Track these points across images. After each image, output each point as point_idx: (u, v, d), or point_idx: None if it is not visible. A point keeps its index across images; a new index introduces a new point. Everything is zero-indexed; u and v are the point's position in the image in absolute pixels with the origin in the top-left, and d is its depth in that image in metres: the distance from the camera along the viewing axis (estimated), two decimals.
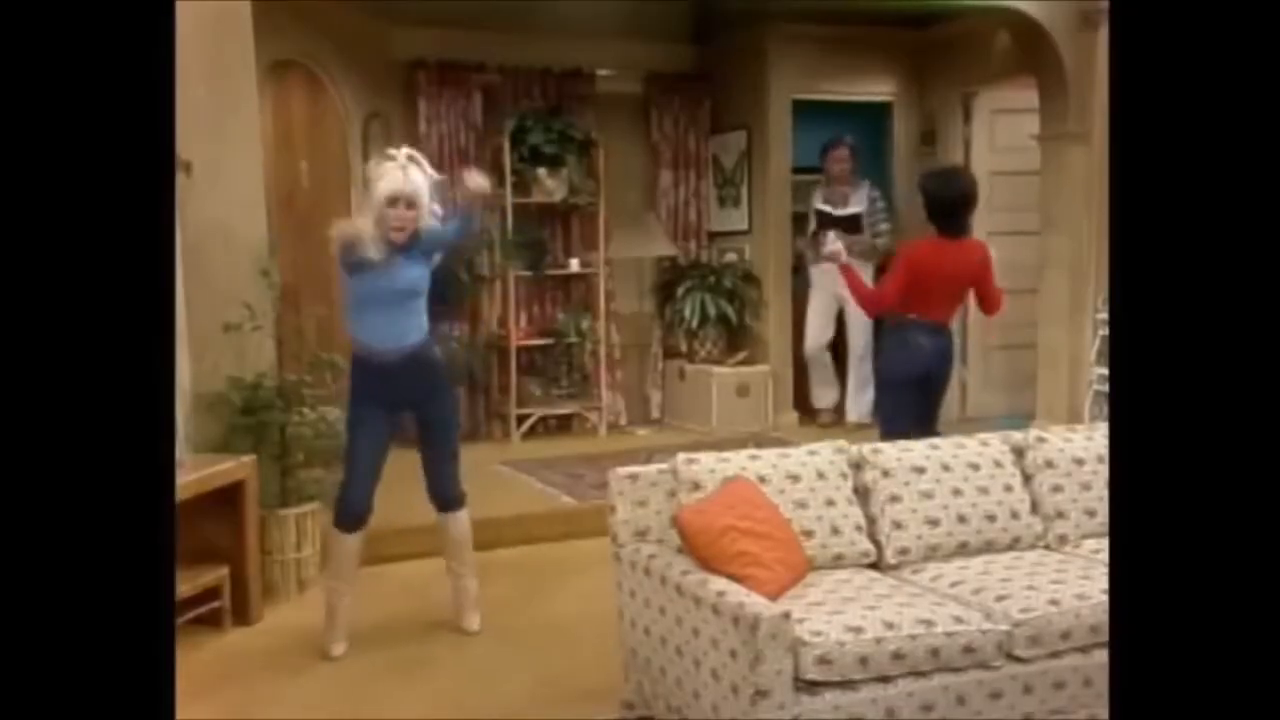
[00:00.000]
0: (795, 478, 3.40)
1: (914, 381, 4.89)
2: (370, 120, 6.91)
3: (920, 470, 3.53)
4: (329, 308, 5.44)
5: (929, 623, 2.92)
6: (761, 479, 3.34)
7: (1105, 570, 3.20)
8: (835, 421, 7.58)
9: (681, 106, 7.99)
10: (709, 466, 3.34)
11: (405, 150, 3.91)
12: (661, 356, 8.08)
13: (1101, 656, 2.99)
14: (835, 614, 2.92)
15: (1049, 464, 3.69)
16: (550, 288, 7.76)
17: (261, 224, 4.86)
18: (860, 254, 7.36)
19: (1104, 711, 2.99)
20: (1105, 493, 3.61)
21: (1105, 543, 3.40)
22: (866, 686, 2.82)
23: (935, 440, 3.82)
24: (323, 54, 6.48)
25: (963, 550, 3.51)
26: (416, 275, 3.91)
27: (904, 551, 3.44)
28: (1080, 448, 3.75)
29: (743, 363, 7.73)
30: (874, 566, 3.41)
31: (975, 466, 3.60)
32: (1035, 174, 6.97)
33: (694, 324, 7.67)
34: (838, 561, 3.35)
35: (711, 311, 7.62)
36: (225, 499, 4.21)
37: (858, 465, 3.53)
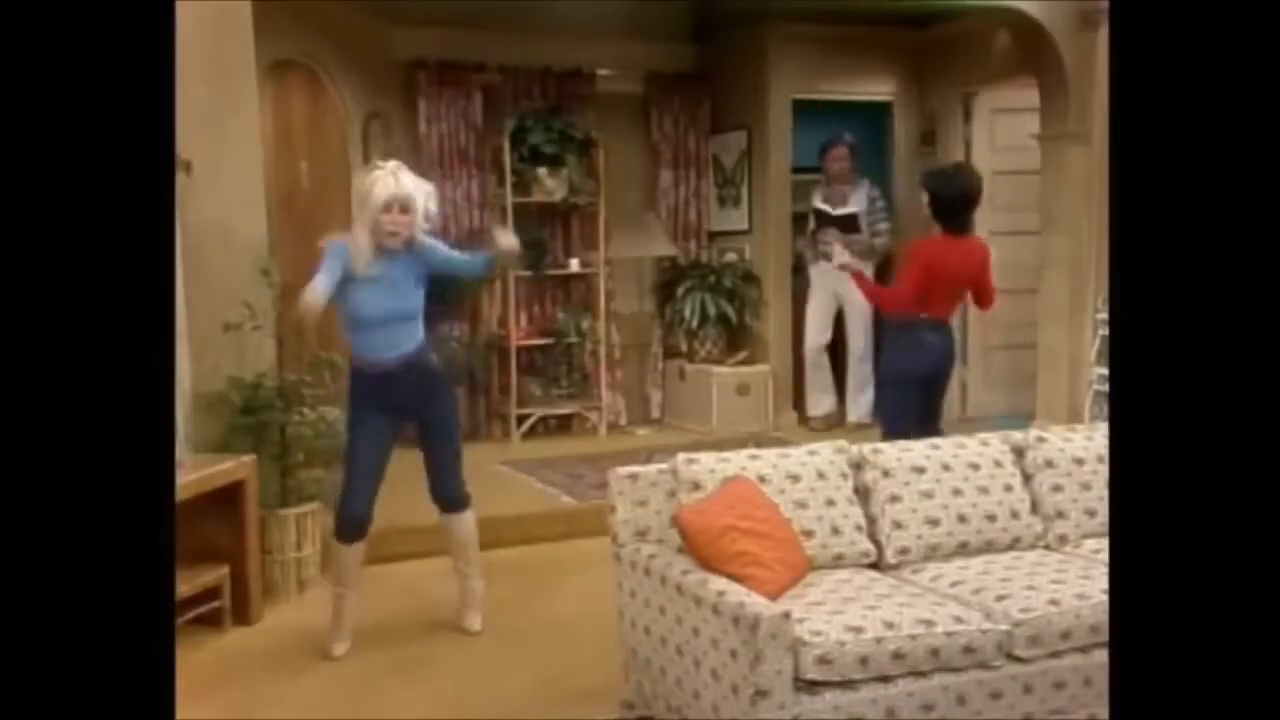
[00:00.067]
0: (795, 478, 3.40)
1: (919, 380, 4.92)
2: (370, 120, 6.91)
3: (920, 470, 3.53)
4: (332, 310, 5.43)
5: (929, 622, 2.92)
6: (762, 479, 3.34)
7: (1105, 570, 3.20)
8: (829, 427, 7.51)
9: (681, 106, 7.99)
10: (709, 466, 3.34)
11: (393, 162, 3.93)
12: (661, 356, 8.08)
13: (1101, 656, 2.99)
14: (835, 614, 2.92)
15: (1049, 464, 3.69)
16: (550, 287, 7.76)
17: (261, 224, 4.86)
18: (858, 253, 7.37)
19: (1104, 711, 2.99)
20: (1105, 493, 3.61)
21: (1105, 542, 3.40)
22: (867, 686, 2.82)
23: (935, 440, 3.82)
24: (323, 54, 6.48)
25: (963, 550, 3.51)
26: (411, 290, 3.91)
27: (904, 551, 3.44)
28: (1080, 448, 3.75)
29: (743, 362, 7.73)
30: (874, 566, 3.41)
31: (975, 466, 3.60)
32: (1035, 174, 6.97)
33: (694, 324, 7.67)
34: (838, 561, 3.35)
35: (711, 311, 7.62)
36: (225, 499, 4.21)
37: (858, 465, 3.53)
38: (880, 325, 7.62)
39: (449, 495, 4.15)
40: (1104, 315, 6.15)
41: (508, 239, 4.02)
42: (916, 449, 3.64)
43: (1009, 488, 3.61)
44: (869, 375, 7.60)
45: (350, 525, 3.97)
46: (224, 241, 4.58)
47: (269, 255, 4.73)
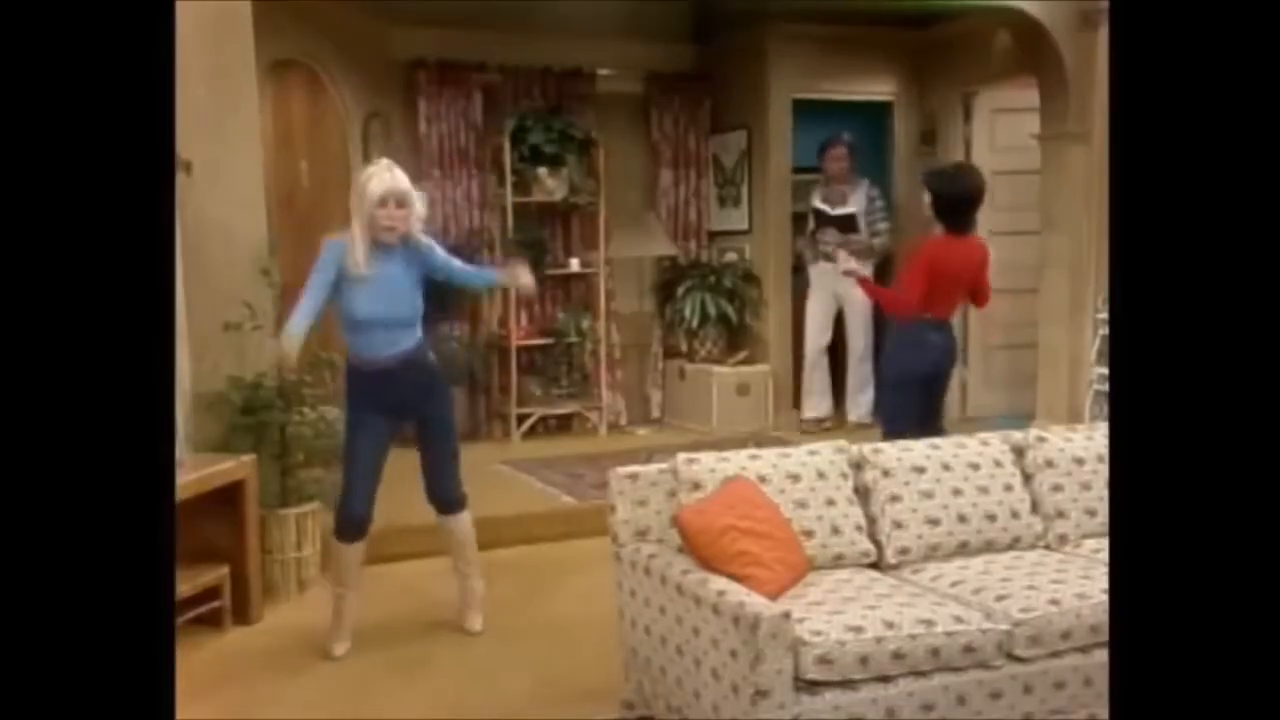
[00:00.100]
0: (795, 477, 3.40)
1: (921, 380, 4.95)
2: (370, 120, 6.91)
3: (920, 470, 3.53)
4: (329, 307, 5.43)
5: (929, 622, 2.92)
6: (762, 479, 3.34)
7: (1105, 570, 3.21)
8: (821, 430, 7.41)
9: (681, 106, 7.99)
10: (709, 466, 3.34)
11: (385, 160, 3.93)
12: (662, 356, 8.08)
13: (1102, 656, 2.99)
14: (835, 614, 2.92)
15: (1049, 463, 3.69)
16: (550, 287, 7.75)
17: (261, 224, 4.86)
18: (856, 253, 7.36)
19: (1104, 711, 2.99)
20: (1105, 492, 3.61)
21: (1105, 542, 3.40)
22: (867, 686, 2.82)
23: (935, 440, 3.82)
24: (323, 53, 6.48)
25: (963, 550, 3.51)
26: (409, 290, 3.90)
27: (904, 551, 3.44)
28: (1080, 447, 3.75)
29: (743, 362, 7.73)
30: (874, 566, 3.41)
31: (975, 466, 3.60)
32: (1035, 173, 6.97)
33: (694, 323, 7.67)
34: (838, 561, 3.35)
35: (712, 311, 7.62)
36: (225, 499, 4.21)
37: (858, 465, 3.53)
38: (880, 325, 7.65)
39: (446, 496, 4.15)
40: (1104, 315, 6.15)
41: (526, 279, 4.15)
42: (916, 449, 3.64)
43: (1009, 487, 3.62)
44: (869, 375, 7.60)
45: (350, 525, 3.97)
46: (224, 241, 4.58)
47: (269, 255, 4.73)
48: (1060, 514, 3.65)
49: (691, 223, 8.08)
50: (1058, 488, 3.67)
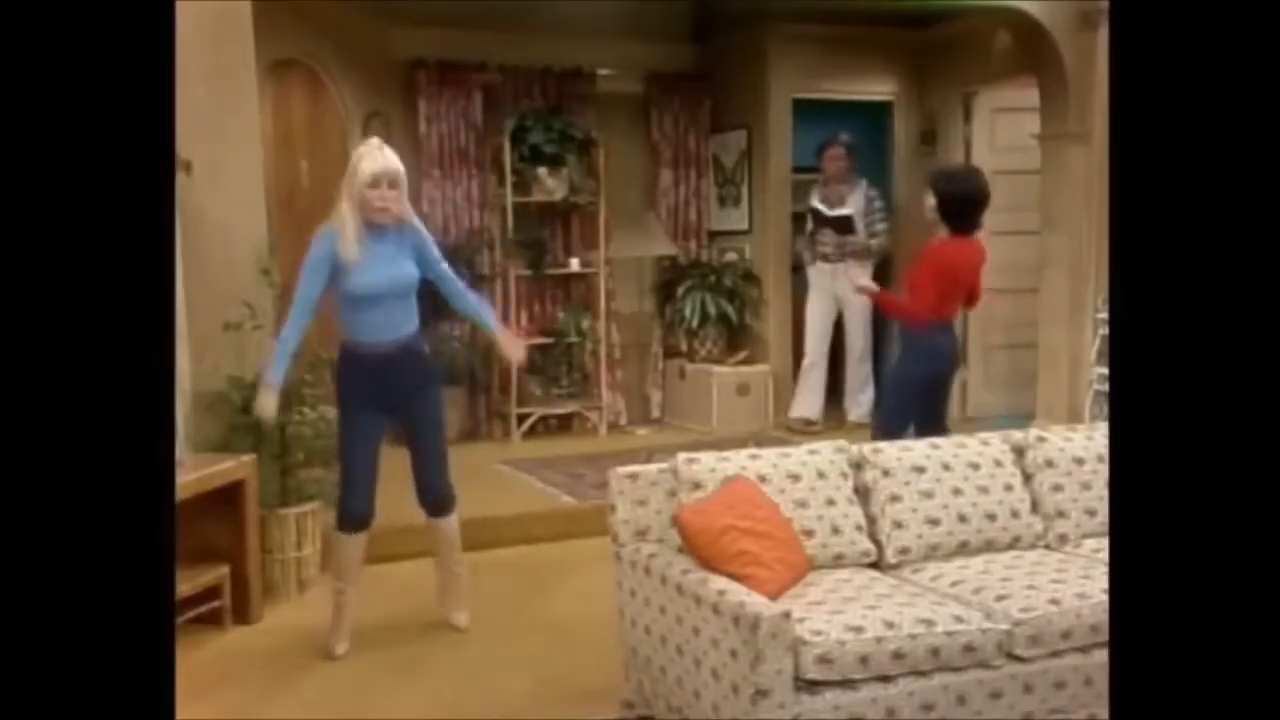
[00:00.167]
0: (796, 477, 3.40)
1: (928, 382, 4.99)
2: (370, 120, 6.91)
3: (920, 470, 3.53)
4: (329, 306, 5.44)
5: (929, 622, 2.92)
6: (762, 478, 3.34)
7: (1105, 569, 3.21)
8: (810, 431, 7.32)
9: (682, 106, 8.00)
10: (709, 466, 3.34)
11: (376, 139, 3.91)
12: (662, 356, 8.08)
13: (1102, 656, 2.99)
14: (836, 613, 2.92)
15: (1049, 463, 3.69)
16: (550, 287, 7.76)
17: (261, 224, 4.86)
18: (853, 254, 7.36)
19: (1104, 711, 2.99)
20: (1105, 492, 3.61)
21: (1105, 542, 3.40)
22: (867, 686, 2.82)
23: (935, 440, 3.82)
24: (323, 53, 6.48)
25: (963, 550, 3.51)
26: (406, 263, 3.87)
27: (904, 551, 3.44)
28: (1080, 447, 3.75)
29: (743, 362, 7.73)
30: (874, 566, 3.41)
31: (975, 466, 3.60)
32: (1035, 173, 6.97)
33: (694, 323, 7.66)
34: (838, 561, 3.36)
35: (712, 311, 7.62)
36: (225, 498, 4.21)
37: (858, 465, 3.53)
38: (879, 326, 7.65)
39: (438, 492, 4.11)
40: (1104, 315, 6.15)
41: (519, 355, 4.29)
42: (916, 449, 3.64)
43: (1009, 487, 3.62)
44: (869, 375, 7.60)
45: (353, 519, 3.97)
46: (224, 241, 4.58)
47: (269, 255, 4.73)
48: (1060, 514, 3.65)
49: (691, 222, 8.08)
50: (1058, 487, 3.67)
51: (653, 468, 3.42)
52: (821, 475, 3.43)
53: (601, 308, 7.67)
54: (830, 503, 3.39)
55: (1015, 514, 3.59)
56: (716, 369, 7.65)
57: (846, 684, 2.80)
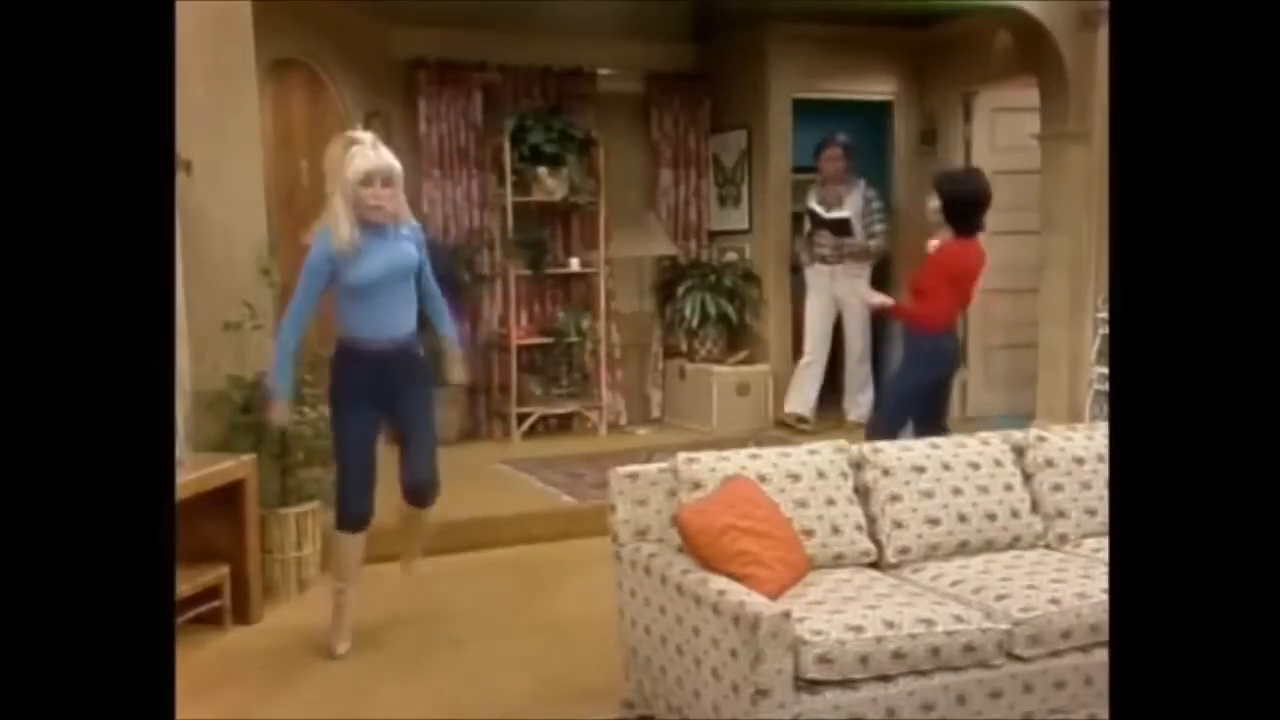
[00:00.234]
0: (796, 477, 3.40)
1: (933, 386, 5.03)
2: (370, 119, 6.90)
3: (920, 469, 3.53)
4: (329, 305, 5.45)
5: (929, 622, 2.92)
6: (762, 478, 3.34)
7: (1105, 569, 3.21)
8: (801, 430, 7.29)
9: (682, 106, 8.00)
10: (709, 465, 3.34)
11: (369, 135, 3.84)
12: (662, 356, 8.08)
13: (1102, 655, 2.99)
14: (836, 613, 2.92)
15: (1049, 463, 3.69)
16: (550, 287, 7.76)
17: (261, 224, 4.86)
18: (852, 256, 7.35)
19: (1104, 711, 2.99)
20: (1105, 492, 3.61)
21: (1105, 541, 3.40)
22: (867, 686, 2.82)
23: (935, 440, 3.82)
24: (323, 53, 6.48)
25: (963, 549, 3.51)
26: (405, 245, 3.84)
27: (904, 550, 3.44)
28: (1080, 447, 3.75)
29: (743, 362, 7.73)
30: (874, 565, 3.41)
31: (976, 466, 3.60)
32: (1035, 173, 6.97)
33: (694, 323, 7.66)
34: (838, 560, 3.36)
35: (712, 311, 7.62)
36: (225, 498, 4.21)
37: (858, 464, 3.53)
38: (878, 326, 7.65)
39: (425, 479, 4.00)
40: (1104, 315, 6.16)
41: (459, 376, 4.28)
42: (916, 448, 3.64)
43: (1009, 487, 3.62)
44: (868, 376, 7.59)
45: (353, 519, 3.96)
46: (224, 241, 4.58)
47: (269, 255, 4.73)
48: (1060, 513, 3.65)
49: (691, 222, 8.08)
50: (1058, 487, 3.67)
51: (653, 467, 3.42)
52: (821, 475, 3.43)
53: (601, 307, 7.67)
54: (830, 502, 3.39)
55: (1015, 514, 3.59)
56: (716, 369, 7.65)
57: (846, 684, 2.80)
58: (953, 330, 5.10)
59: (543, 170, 7.28)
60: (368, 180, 3.69)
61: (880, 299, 5.43)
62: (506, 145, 7.21)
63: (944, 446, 3.68)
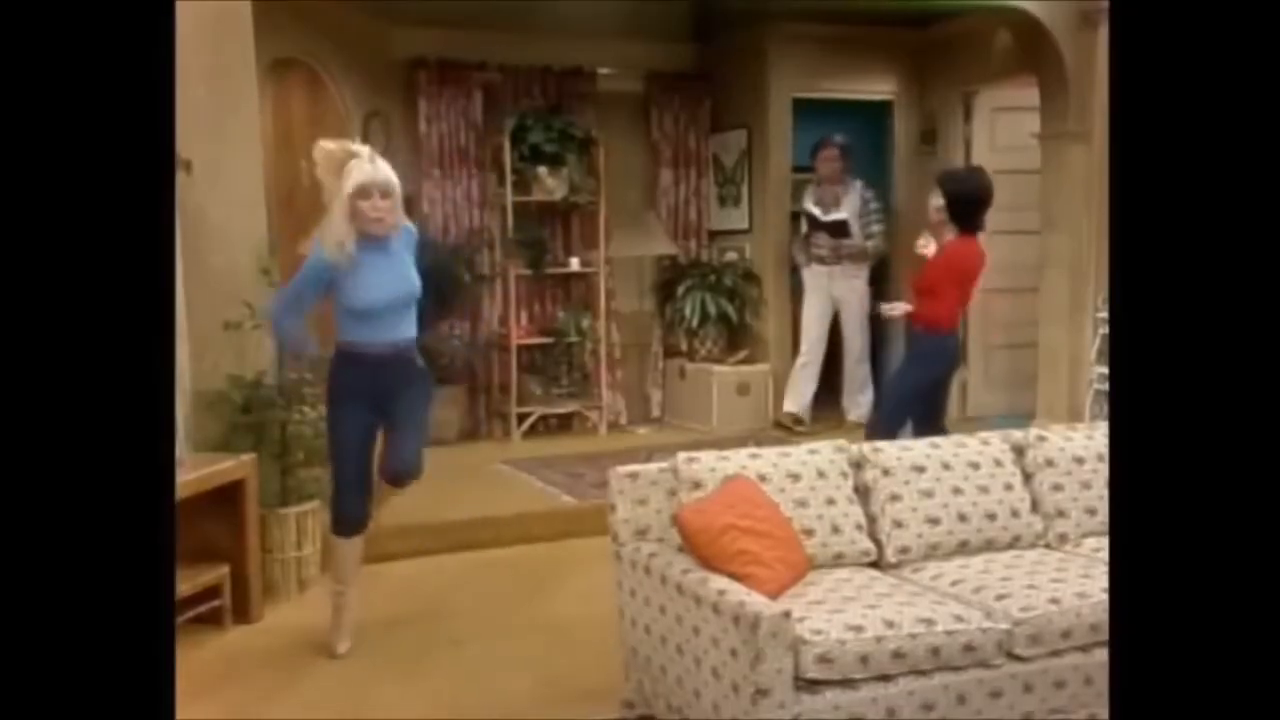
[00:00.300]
0: (796, 476, 3.40)
1: (933, 384, 5.05)
2: (371, 119, 6.91)
3: (920, 469, 3.53)
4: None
5: (929, 621, 2.92)
6: (762, 478, 3.34)
7: (1105, 569, 3.21)
8: (798, 430, 7.27)
9: (682, 105, 8.00)
10: (709, 465, 3.34)
11: (366, 151, 3.81)
12: (662, 355, 8.08)
13: (1102, 655, 2.99)
14: (836, 613, 2.92)
15: (1049, 463, 3.69)
16: (550, 286, 7.76)
17: (261, 224, 4.86)
18: (850, 257, 7.35)
19: (1104, 710, 2.99)
20: (1105, 491, 3.61)
21: (1105, 541, 3.40)
22: (867, 685, 2.82)
23: (935, 439, 3.82)
24: (323, 53, 6.48)
25: (963, 549, 3.51)
26: (406, 272, 3.84)
27: (904, 550, 3.44)
28: (1080, 446, 3.75)
29: (743, 361, 7.73)
30: (874, 565, 3.41)
31: (976, 465, 3.60)
32: (1036, 173, 6.97)
33: (694, 323, 7.66)
34: (838, 560, 3.36)
35: (712, 310, 7.61)
36: (225, 498, 4.21)
37: (858, 464, 3.53)
38: (877, 326, 7.65)
39: (409, 468, 3.93)
40: (1104, 314, 6.16)
41: None
42: (916, 448, 3.64)
43: (1009, 486, 3.62)
44: (867, 376, 7.59)
45: (348, 523, 3.96)
46: (224, 241, 4.58)
47: (269, 255, 4.73)
48: (1060, 513, 3.65)
49: (691, 222, 8.08)
50: (1058, 487, 3.67)
51: (653, 467, 3.42)
52: (821, 474, 3.43)
53: (601, 307, 7.67)
54: (830, 502, 3.39)
55: (1015, 513, 3.59)
56: (716, 368, 7.65)
57: (847, 683, 2.80)
58: (955, 329, 5.13)
59: (543, 170, 7.28)
60: (366, 193, 3.68)
61: (901, 308, 5.38)
62: (506, 145, 7.21)
63: (944, 446, 3.68)
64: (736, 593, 2.85)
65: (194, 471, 4.03)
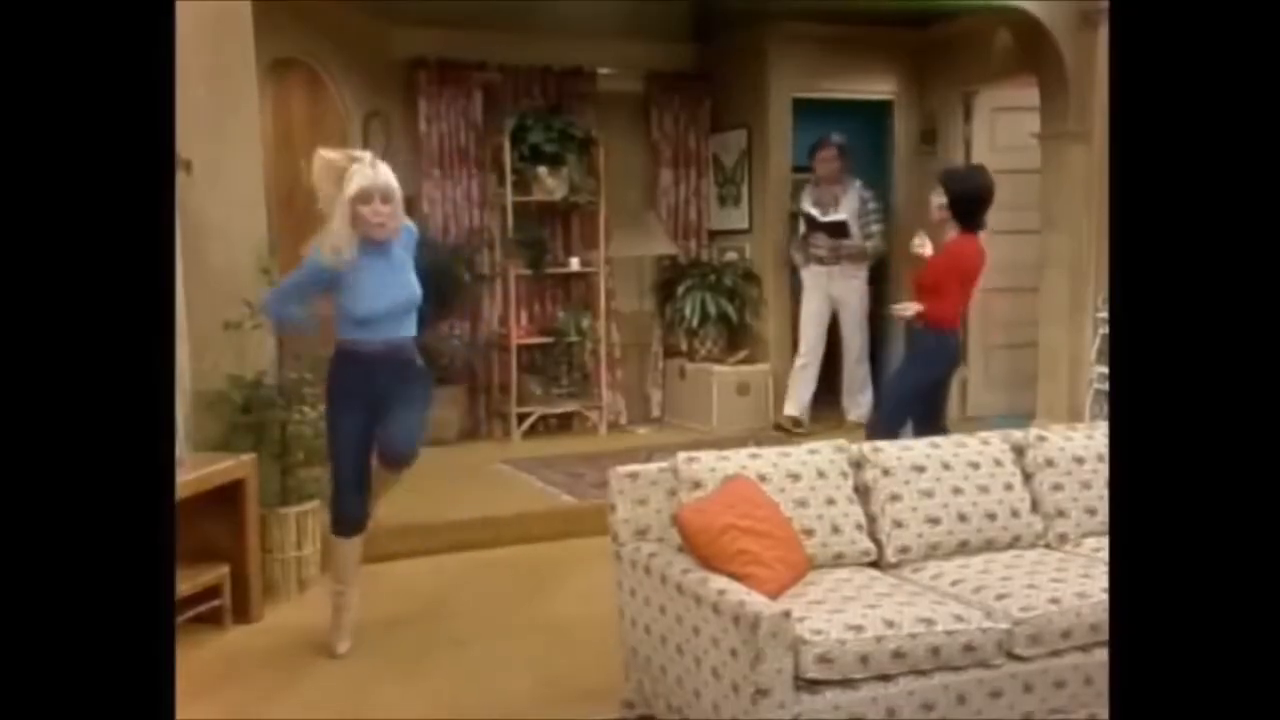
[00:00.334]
0: (796, 476, 3.40)
1: (934, 382, 5.06)
2: (370, 119, 6.91)
3: (920, 469, 3.53)
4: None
5: (929, 621, 2.92)
6: (762, 477, 3.34)
7: (1105, 569, 3.21)
8: (798, 433, 7.23)
9: (682, 105, 8.00)
10: (709, 465, 3.34)
11: (368, 156, 3.81)
12: (662, 355, 8.08)
13: (1102, 655, 2.99)
14: (836, 612, 2.92)
15: (1049, 462, 3.69)
16: (550, 286, 7.76)
17: (261, 224, 4.86)
18: (849, 257, 7.34)
19: (1104, 710, 2.99)
20: (1105, 491, 3.61)
21: (1105, 541, 3.40)
22: (867, 685, 2.82)
23: (935, 439, 3.82)
24: (323, 52, 6.48)
25: (963, 549, 3.51)
26: (408, 279, 3.85)
27: (904, 550, 3.44)
28: (1080, 446, 3.75)
29: (743, 361, 7.73)
30: (874, 565, 3.41)
31: (976, 465, 3.60)
32: (1036, 172, 6.97)
33: (694, 323, 7.66)
34: (838, 560, 3.36)
35: (712, 310, 7.61)
36: (225, 497, 4.21)
37: (858, 464, 3.53)
38: (876, 326, 7.65)
39: (405, 450, 3.88)
40: (1104, 314, 6.16)
41: None
42: (916, 448, 3.64)
43: (1009, 486, 3.62)
44: (867, 376, 7.58)
45: (347, 524, 3.96)
46: (224, 241, 4.58)
47: (269, 254, 4.73)
48: (1060, 513, 3.65)
49: (691, 222, 8.08)
50: (1058, 487, 3.67)
51: (653, 467, 3.42)
52: (821, 474, 3.43)
53: (601, 307, 7.67)
54: (830, 502, 3.39)
55: (1015, 513, 3.59)
56: (716, 368, 7.65)
57: (847, 683, 2.80)
58: (958, 327, 5.16)
59: (543, 170, 7.28)
60: (367, 198, 3.67)
61: (914, 308, 5.34)
62: (506, 145, 7.21)
63: (944, 446, 3.68)
64: (736, 593, 2.85)
65: (194, 471, 4.03)
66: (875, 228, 7.40)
